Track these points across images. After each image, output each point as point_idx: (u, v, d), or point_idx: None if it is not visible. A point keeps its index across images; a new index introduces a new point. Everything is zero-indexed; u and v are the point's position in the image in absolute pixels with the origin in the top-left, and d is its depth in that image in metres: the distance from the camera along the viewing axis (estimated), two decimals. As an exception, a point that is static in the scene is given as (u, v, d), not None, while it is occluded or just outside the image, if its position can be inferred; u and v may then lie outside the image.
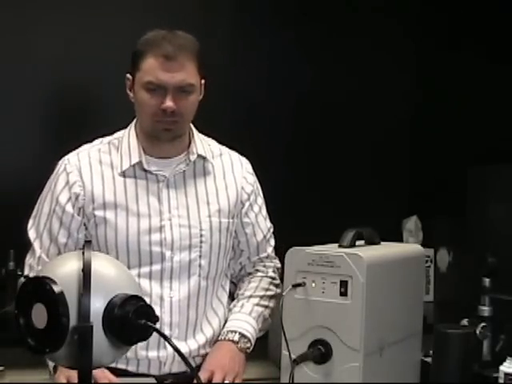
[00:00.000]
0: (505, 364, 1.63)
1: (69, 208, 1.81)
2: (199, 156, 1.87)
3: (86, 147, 1.89)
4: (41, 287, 1.10)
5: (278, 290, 1.95)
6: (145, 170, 1.83)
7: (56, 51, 2.92)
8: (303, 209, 3.25)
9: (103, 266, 1.17)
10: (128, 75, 1.83)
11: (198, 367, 1.81)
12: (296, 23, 3.30)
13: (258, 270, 1.98)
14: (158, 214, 1.81)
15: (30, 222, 1.89)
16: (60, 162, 1.89)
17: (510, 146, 2.87)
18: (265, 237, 1.98)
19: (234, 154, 1.98)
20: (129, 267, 1.76)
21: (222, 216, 1.87)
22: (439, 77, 3.43)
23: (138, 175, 1.83)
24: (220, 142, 1.98)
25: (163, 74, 1.74)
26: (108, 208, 1.79)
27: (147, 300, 1.72)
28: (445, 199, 3.16)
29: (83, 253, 1.12)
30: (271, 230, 2.01)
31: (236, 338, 1.82)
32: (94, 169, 1.83)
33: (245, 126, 3.05)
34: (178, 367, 1.81)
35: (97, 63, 2.96)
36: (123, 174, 1.82)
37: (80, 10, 2.93)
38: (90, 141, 1.92)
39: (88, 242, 1.16)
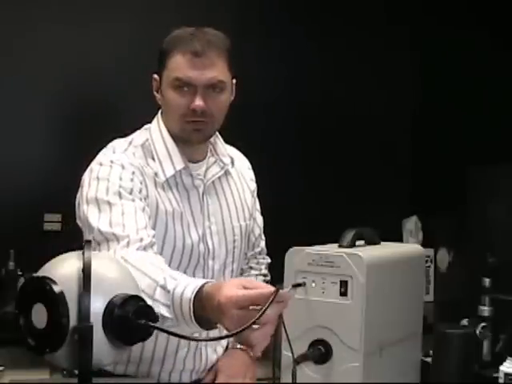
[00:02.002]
0: (505, 364, 1.63)
1: (143, 202, 1.64)
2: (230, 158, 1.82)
3: (120, 149, 1.71)
4: (41, 287, 1.10)
5: None
6: (181, 176, 1.72)
7: (66, 55, 2.95)
8: (303, 209, 3.26)
9: (103, 266, 1.17)
10: (155, 76, 1.73)
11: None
12: (293, 29, 3.31)
13: (251, 268, 1.97)
14: (201, 223, 1.74)
15: (94, 223, 1.59)
16: (106, 161, 1.67)
17: (510, 146, 2.87)
18: (260, 231, 1.97)
19: (235, 150, 1.92)
20: None
21: (247, 219, 1.86)
22: (439, 78, 3.43)
23: (179, 181, 1.72)
24: (227, 142, 1.92)
25: (191, 71, 1.63)
26: (169, 217, 1.69)
27: None
28: (445, 199, 3.16)
29: (83, 253, 1.12)
30: (262, 225, 1.99)
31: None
32: (148, 174, 1.69)
33: (250, 126, 3.05)
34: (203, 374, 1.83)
35: (108, 66, 2.99)
36: (167, 181, 1.70)
37: (92, 14, 2.97)
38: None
39: (88, 242, 1.15)
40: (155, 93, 1.74)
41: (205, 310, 1.27)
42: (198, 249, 1.72)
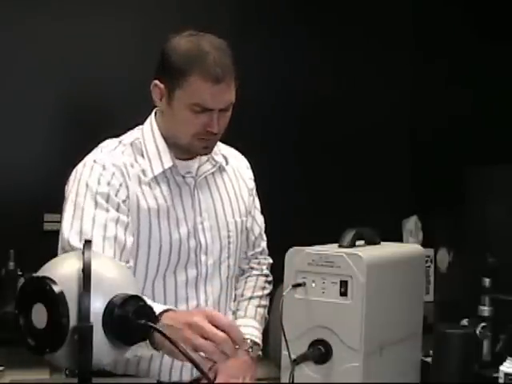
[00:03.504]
0: (505, 364, 1.63)
1: (124, 207, 1.68)
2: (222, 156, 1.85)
3: (107, 148, 1.75)
4: (41, 287, 1.10)
5: (271, 288, 1.97)
6: (172, 173, 1.75)
7: (66, 54, 2.95)
8: (303, 209, 3.26)
9: (103, 266, 1.17)
10: (158, 83, 1.70)
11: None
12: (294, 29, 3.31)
13: (252, 268, 1.98)
14: (192, 218, 1.76)
15: (66, 231, 1.64)
16: (89, 161, 1.71)
17: (510, 146, 2.87)
18: (261, 231, 1.98)
19: (233, 150, 1.95)
20: (165, 275, 1.73)
21: (242, 215, 1.88)
22: (439, 79, 3.43)
23: (169, 178, 1.75)
24: (227, 141, 1.93)
25: (211, 97, 1.65)
26: (153, 214, 1.71)
27: (184, 308, 1.72)
28: (445, 199, 3.16)
29: (83, 253, 1.12)
30: (264, 225, 2.00)
31: (248, 345, 1.82)
32: (131, 172, 1.71)
33: (250, 125, 3.05)
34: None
35: (109, 66, 2.99)
36: (155, 178, 1.73)
37: (92, 13, 2.97)
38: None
39: (88, 242, 1.15)
40: (158, 99, 1.72)
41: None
42: (188, 244, 1.74)
